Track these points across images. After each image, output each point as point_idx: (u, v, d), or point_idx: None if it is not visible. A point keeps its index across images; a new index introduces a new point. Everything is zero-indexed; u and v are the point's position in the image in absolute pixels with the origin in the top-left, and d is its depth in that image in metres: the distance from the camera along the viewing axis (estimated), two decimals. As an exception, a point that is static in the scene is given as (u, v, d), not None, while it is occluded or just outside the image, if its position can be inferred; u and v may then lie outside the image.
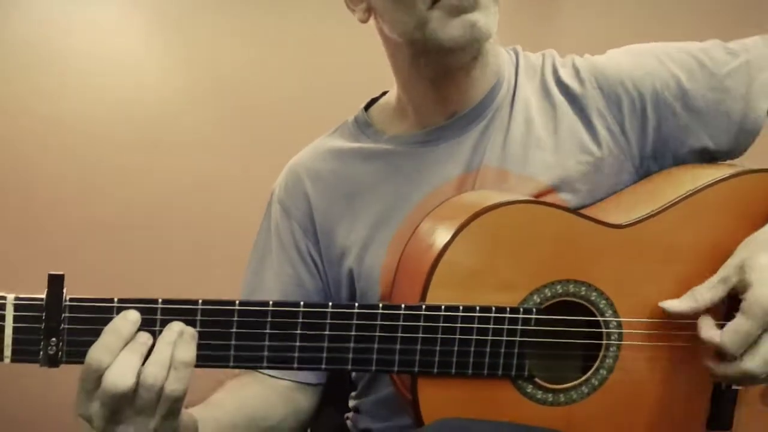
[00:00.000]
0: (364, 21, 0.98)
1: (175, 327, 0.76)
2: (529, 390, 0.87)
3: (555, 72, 1.01)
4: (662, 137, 0.97)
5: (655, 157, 0.98)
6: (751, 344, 0.79)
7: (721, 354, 0.82)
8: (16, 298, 0.74)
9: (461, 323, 0.83)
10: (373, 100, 1.10)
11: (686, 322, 0.88)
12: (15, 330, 0.74)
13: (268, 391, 1.00)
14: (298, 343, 0.80)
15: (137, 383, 0.73)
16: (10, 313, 0.73)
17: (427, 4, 0.88)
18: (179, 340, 0.76)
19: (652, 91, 0.96)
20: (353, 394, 1.08)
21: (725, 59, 0.97)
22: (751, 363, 0.80)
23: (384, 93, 1.09)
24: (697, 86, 0.96)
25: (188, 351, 0.76)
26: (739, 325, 0.80)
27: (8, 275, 2.05)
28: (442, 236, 0.86)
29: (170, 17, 2.19)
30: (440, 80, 0.97)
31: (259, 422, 0.98)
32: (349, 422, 1.09)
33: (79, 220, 2.16)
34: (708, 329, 0.83)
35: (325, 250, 1.03)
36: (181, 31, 2.19)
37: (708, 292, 0.84)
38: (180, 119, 2.19)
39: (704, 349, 0.84)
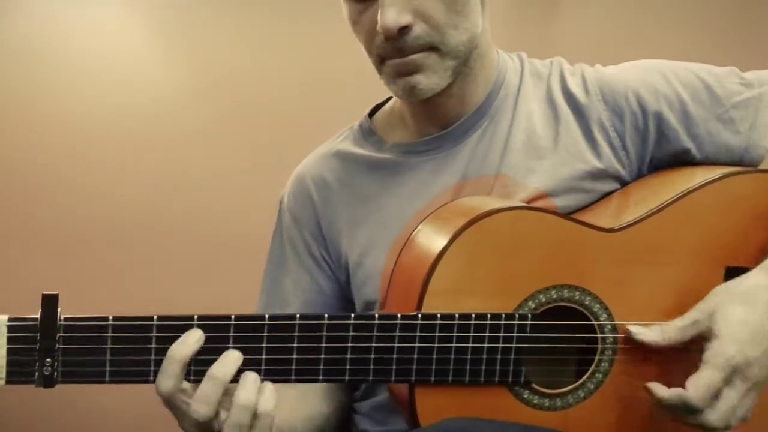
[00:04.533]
0: None
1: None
2: (525, 395, 0.87)
3: (562, 81, 1.00)
4: (662, 155, 0.98)
5: (654, 167, 0.99)
6: (712, 397, 0.80)
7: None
8: (10, 319, 0.73)
9: (457, 332, 0.83)
10: (378, 106, 1.10)
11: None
12: (9, 351, 0.73)
13: (312, 392, 1.01)
14: (294, 356, 0.80)
15: None
16: (3, 335, 0.73)
17: (376, 61, 0.93)
18: (260, 394, 0.78)
19: (656, 110, 0.96)
20: (356, 394, 1.08)
21: (737, 89, 0.97)
22: (712, 417, 0.81)
23: (389, 98, 1.09)
24: (702, 113, 0.96)
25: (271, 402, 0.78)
26: (703, 377, 0.80)
27: (8, 271, 2.06)
28: (436, 243, 0.85)
29: (171, 16, 2.18)
30: (423, 101, 0.97)
31: (316, 421, 1.00)
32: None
33: (79, 219, 2.15)
34: (662, 390, 0.82)
35: (335, 256, 1.04)
36: (181, 30, 2.18)
37: (675, 332, 0.85)
38: (180, 118, 2.18)
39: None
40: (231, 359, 0.77)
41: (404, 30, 0.87)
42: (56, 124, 2.14)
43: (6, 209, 2.14)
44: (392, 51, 0.89)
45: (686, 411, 0.81)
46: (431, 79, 0.90)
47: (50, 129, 2.14)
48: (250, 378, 0.78)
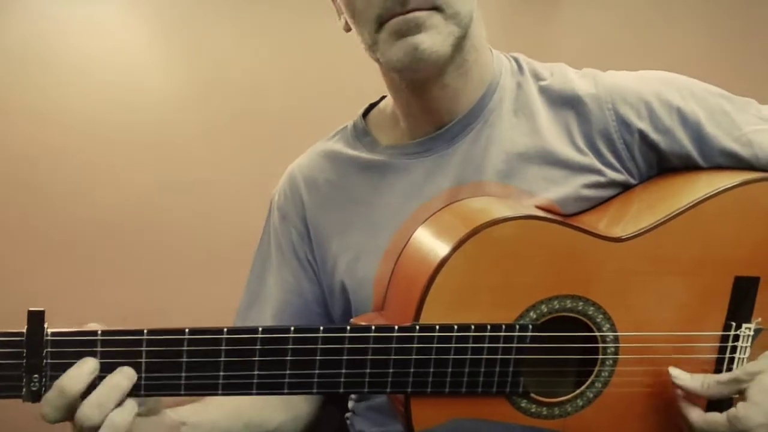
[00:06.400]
0: (347, 31, 0.96)
1: (127, 373, 0.75)
2: (523, 404, 0.86)
3: (567, 86, 0.95)
4: (671, 165, 0.95)
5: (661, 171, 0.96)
6: None
7: None
8: (-5, 334, 0.72)
9: (455, 343, 0.81)
10: (372, 105, 1.06)
11: (685, 334, 0.88)
12: (-4, 367, 0.72)
13: (263, 398, 0.98)
14: (288, 370, 0.78)
15: None
16: (-11, 350, 0.71)
17: (374, 27, 0.87)
18: (119, 409, 0.74)
19: (668, 127, 0.92)
20: (352, 396, 1.08)
21: (755, 121, 0.93)
22: None
23: (383, 97, 1.05)
24: (717, 133, 0.92)
25: (126, 416, 0.74)
26: (716, 423, 0.82)
27: (8, 273, 2.06)
28: (437, 252, 0.83)
29: (171, 16, 2.14)
30: (418, 93, 0.94)
31: (255, 428, 0.98)
32: (348, 422, 1.08)
33: (78, 220, 2.14)
34: (693, 410, 0.86)
35: (320, 258, 1.01)
36: (182, 30, 2.15)
37: (717, 387, 0.84)
38: (181, 118, 2.16)
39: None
40: (85, 370, 0.73)
41: None
42: (55, 125, 2.12)
43: (6, 208, 2.13)
44: (394, 5, 0.85)
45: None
46: (435, 39, 0.86)
47: (48, 129, 2.12)
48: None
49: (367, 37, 0.89)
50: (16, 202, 2.12)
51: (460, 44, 0.89)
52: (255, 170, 2.02)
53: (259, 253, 1.07)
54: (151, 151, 2.15)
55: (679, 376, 0.86)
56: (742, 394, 0.83)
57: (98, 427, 0.72)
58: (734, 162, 0.93)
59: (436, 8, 0.85)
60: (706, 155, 0.93)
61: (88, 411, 0.72)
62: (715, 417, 0.83)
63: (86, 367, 0.73)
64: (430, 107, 0.95)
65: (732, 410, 0.81)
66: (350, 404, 1.08)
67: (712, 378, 0.85)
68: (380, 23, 0.87)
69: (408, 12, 0.85)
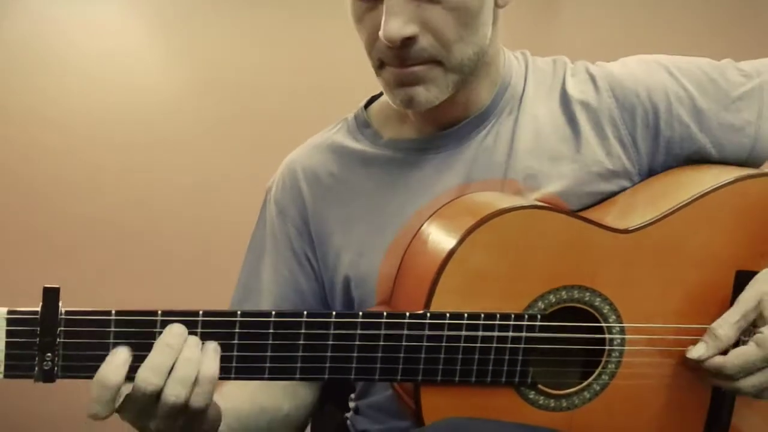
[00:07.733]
0: None
1: (193, 341, 0.75)
2: (531, 396, 0.86)
3: (568, 79, 0.97)
4: (673, 152, 0.95)
5: (664, 168, 0.96)
6: (751, 371, 0.82)
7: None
8: (9, 312, 0.71)
9: (466, 331, 0.82)
10: (374, 98, 1.05)
11: (690, 327, 0.88)
12: (8, 345, 0.71)
13: (272, 385, 0.98)
14: (300, 353, 0.78)
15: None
16: (2, 328, 0.70)
17: (376, 64, 0.88)
18: (204, 356, 0.74)
19: (666, 106, 0.93)
20: (352, 395, 1.07)
21: (739, 80, 0.95)
22: (745, 384, 0.82)
23: None
24: (710, 105, 0.94)
25: (213, 365, 0.74)
26: (747, 353, 0.81)
27: (9, 275, 2.05)
28: (447, 241, 0.84)
29: (171, 16, 2.14)
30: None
31: (269, 414, 0.97)
32: (348, 422, 1.08)
33: (79, 220, 2.14)
34: (700, 350, 0.84)
35: (321, 253, 1.00)
36: (182, 31, 2.15)
37: (731, 330, 0.84)
38: (181, 119, 2.16)
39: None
40: (119, 360, 0.73)
41: (408, 41, 0.83)
42: (56, 125, 2.12)
43: (6, 209, 2.12)
44: (393, 59, 0.85)
45: (719, 376, 0.83)
46: (431, 93, 0.87)
47: (50, 129, 2.12)
48: (192, 340, 0.75)
49: (372, 67, 0.90)
50: (16, 202, 2.12)
51: (466, 78, 0.90)
52: (255, 170, 2.01)
53: (252, 246, 1.05)
54: (151, 151, 2.15)
55: (697, 352, 0.84)
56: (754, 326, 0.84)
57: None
58: (729, 130, 0.94)
59: (436, 61, 0.85)
60: (704, 128, 0.94)
61: (172, 390, 0.73)
62: (744, 348, 0.82)
63: (119, 358, 0.73)
64: (437, 116, 0.95)
65: (758, 335, 0.81)
66: (351, 403, 1.07)
67: (721, 329, 0.83)
68: (381, 64, 0.87)
69: (407, 66, 0.85)
